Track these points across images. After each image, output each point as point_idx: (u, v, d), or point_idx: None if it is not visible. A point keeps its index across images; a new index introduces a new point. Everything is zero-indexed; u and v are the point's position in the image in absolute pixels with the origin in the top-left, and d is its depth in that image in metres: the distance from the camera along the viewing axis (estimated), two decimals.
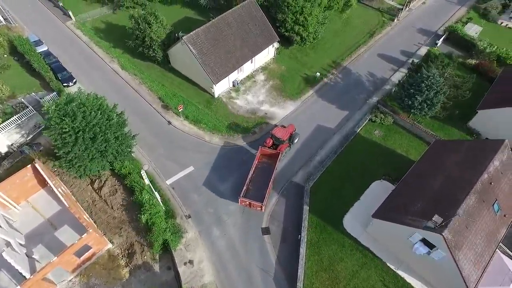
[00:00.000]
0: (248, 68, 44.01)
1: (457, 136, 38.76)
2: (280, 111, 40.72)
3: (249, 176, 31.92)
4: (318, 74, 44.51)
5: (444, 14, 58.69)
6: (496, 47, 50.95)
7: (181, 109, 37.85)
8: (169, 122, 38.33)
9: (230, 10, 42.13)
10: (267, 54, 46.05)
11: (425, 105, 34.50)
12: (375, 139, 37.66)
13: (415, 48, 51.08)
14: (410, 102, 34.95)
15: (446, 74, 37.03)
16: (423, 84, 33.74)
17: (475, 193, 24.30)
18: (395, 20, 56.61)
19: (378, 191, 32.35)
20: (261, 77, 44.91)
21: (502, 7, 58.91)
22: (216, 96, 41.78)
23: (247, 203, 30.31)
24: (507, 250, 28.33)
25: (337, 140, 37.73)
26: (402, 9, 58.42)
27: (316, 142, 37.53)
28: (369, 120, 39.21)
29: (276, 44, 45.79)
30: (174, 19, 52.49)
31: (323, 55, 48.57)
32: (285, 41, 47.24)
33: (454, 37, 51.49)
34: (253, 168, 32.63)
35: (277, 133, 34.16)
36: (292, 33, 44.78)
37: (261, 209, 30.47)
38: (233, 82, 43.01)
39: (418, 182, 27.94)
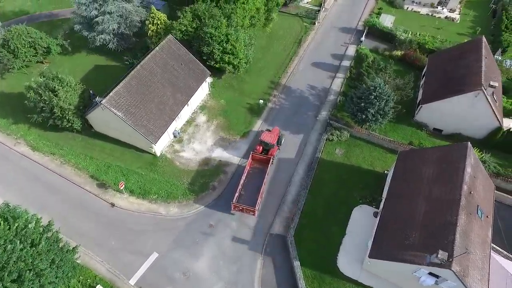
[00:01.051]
0: (185, 112, 39.32)
1: (408, 132, 39.24)
2: (235, 153, 37.04)
3: (241, 181, 32.09)
4: (261, 101, 41.70)
5: (357, 7, 60.28)
6: (410, 32, 53.72)
7: (123, 186, 31.96)
8: (112, 204, 32.16)
9: (149, 55, 36.87)
10: (202, 91, 41.78)
11: (379, 116, 33.92)
12: (338, 159, 36.21)
13: (343, 49, 51.24)
14: (363, 116, 34.05)
15: (386, 77, 36.99)
16: (372, 96, 32.97)
17: (463, 209, 23.75)
18: (316, 23, 56.39)
19: (361, 218, 30.87)
20: (202, 118, 40.58)
21: None
22: (158, 154, 36.48)
23: (240, 208, 30.53)
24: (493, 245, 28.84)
25: (302, 171, 35.46)
26: (319, 10, 58.53)
27: (281, 179, 34.78)
28: (326, 140, 37.65)
29: (209, 79, 41.75)
30: (83, 71, 45.14)
31: (259, 77, 45.92)
32: (217, 71, 43.42)
33: (374, 31, 52.83)
34: (245, 174, 32.75)
35: (266, 138, 34.26)
36: (222, 63, 41.11)
37: (254, 214, 30.86)
38: (173, 133, 38.04)
39: (401, 206, 26.83)
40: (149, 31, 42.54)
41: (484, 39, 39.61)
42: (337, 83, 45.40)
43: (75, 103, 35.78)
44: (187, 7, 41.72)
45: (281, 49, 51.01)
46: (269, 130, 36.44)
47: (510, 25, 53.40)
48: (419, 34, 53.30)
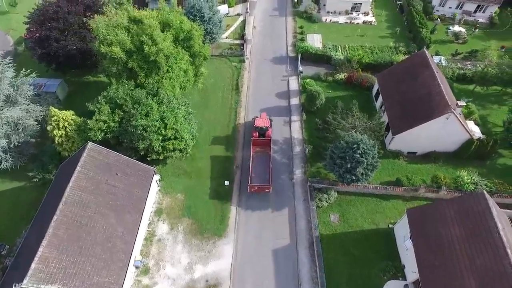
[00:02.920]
0: (140, 230, 30.52)
1: (388, 166, 36.54)
2: (221, 263, 29.86)
3: (251, 165, 34.66)
4: (226, 182, 34.85)
5: (278, 30, 56.71)
6: (340, 47, 52.10)
7: None
8: None
9: (70, 183, 27.02)
10: (151, 192, 33.19)
11: (368, 171, 30.14)
12: (337, 228, 31.68)
13: (284, 84, 47.00)
14: (353, 177, 29.93)
15: (355, 120, 33.48)
16: (357, 155, 28.91)
17: None
18: (245, 60, 51.06)
19: None
20: (163, 228, 32.20)
21: (315, 4, 60.98)
22: None
23: (256, 188, 33.31)
24: None
25: (306, 258, 30.06)
26: (243, 44, 53.28)
27: (287, 277, 28.94)
28: (316, 208, 32.80)
29: (156, 177, 33.39)
30: None
31: (210, 146, 38.86)
32: (159, 160, 35.09)
33: (308, 56, 49.63)
34: (251, 159, 35.29)
35: (260, 124, 37.24)
36: (167, 153, 33.11)
37: (269, 191, 33.54)
38: (134, 265, 29.18)
39: (444, 282, 23.23)
40: (56, 138, 32.20)
41: (426, 51, 38.80)
42: (296, 129, 40.85)
43: None
44: (100, 97, 32.47)
45: (220, 103, 44.59)
46: (257, 117, 39.07)
47: (423, 20, 55.20)
48: (349, 48, 52.03)
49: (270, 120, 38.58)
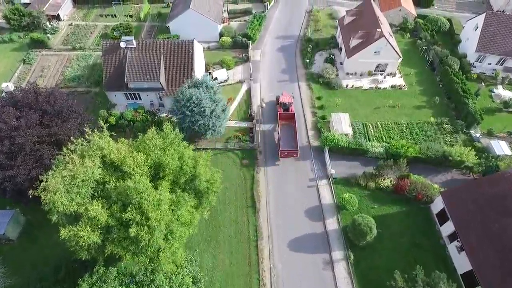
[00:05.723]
0: None
1: None
2: None
3: (278, 136, 39.90)
4: None
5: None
6: (370, 126, 42.09)
7: None
8: None
9: None
10: None
11: None
12: None
13: (314, 194, 36.24)
14: None
15: None
16: None
17: None
18: (258, 155, 40.00)
19: None
20: None
21: (331, 64, 50.55)
22: None
23: (286, 153, 38.05)
24: None
25: None
26: (252, 129, 42.32)
27: None
28: None
29: None
30: None
31: None
32: None
33: (336, 149, 39.01)
34: (279, 130, 40.34)
35: (284, 100, 42.74)
36: None
37: (297, 155, 38.27)
38: None
39: None
40: None
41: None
42: (342, 276, 30.11)
43: None
44: None
45: (233, 231, 33.48)
46: (279, 96, 44.26)
47: (464, 85, 45.84)
48: (382, 127, 42.31)
49: (292, 96, 43.87)
